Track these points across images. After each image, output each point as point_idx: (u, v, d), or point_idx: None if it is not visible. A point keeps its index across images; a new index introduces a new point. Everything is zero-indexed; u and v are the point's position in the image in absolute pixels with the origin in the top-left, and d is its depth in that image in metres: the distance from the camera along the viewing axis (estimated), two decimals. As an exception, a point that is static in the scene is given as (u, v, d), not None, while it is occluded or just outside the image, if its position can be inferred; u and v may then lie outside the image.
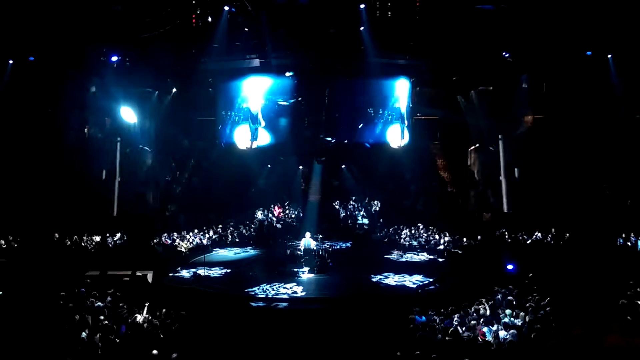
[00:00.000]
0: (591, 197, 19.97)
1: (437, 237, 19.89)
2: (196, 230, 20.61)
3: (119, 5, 15.85)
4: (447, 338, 10.21)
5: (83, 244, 18.61)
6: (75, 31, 15.95)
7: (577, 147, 19.97)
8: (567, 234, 18.65)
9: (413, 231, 20.63)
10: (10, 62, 17.54)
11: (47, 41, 16.06)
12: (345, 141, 21.64)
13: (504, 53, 17.08)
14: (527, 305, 11.54)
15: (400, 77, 21.16)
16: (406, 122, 21.72)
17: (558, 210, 20.24)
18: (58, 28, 15.69)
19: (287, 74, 20.07)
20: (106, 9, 15.95)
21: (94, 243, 18.74)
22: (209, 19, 16.61)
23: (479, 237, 19.11)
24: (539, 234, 18.87)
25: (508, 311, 11.13)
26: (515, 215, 20.16)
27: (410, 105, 21.80)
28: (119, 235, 19.22)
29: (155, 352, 9.36)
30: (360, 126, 21.56)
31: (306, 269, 16.47)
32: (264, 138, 21.45)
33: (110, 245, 18.74)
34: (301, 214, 22.55)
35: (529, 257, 17.15)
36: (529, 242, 18.68)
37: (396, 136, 21.71)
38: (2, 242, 17.79)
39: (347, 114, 21.46)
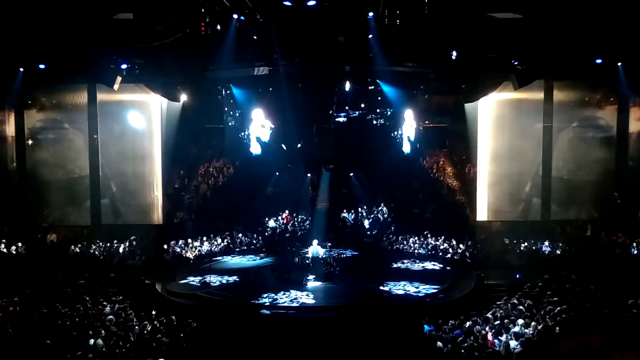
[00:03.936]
0: (601, 207, 19.82)
1: (445, 245, 19.77)
2: (204, 238, 20.61)
3: (129, 14, 15.95)
4: (456, 348, 10.12)
5: (91, 251, 18.71)
6: (86, 39, 16.07)
7: (586, 156, 19.85)
8: (578, 243, 18.53)
9: (421, 239, 20.52)
10: (21, 70, 17.71)
11: (57, 49, 16.17)
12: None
13: (513, 61, 16.98)
14: (538, 314, 11.43)
15: (408, 85, 21.11)
16: (414, 130, 21.66)
17: (569, 219, 20.16)
18: (68, 36, 15.81)
19: None
20: (117, 18, 16.08)
21: (102, 250, 18.84)
22: (218, 27, 16.67)
23: (487, 245, 19.06)
24: (548, 243, 18.74)
25: (520, 321, 11.02)
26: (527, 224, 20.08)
27: (419, 112, 21.75)
28: (127, 242, 19.28)
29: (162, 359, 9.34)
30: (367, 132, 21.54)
31: (313, 276, 16.42)
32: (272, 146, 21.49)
33: (120, 252, 18.80)
34: (309, 222, 22.49)
35: (539, 266, 17.09)
36: (539, 251, 18.58)
37: (405, 143, 21.63)
38: (13, 248, 17.93)
39: (355, 120, 21.42)
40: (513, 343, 10.08)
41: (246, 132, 21.35)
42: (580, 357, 8.13)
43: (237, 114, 21.56)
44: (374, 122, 21.48)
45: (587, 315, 11.27)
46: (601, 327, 10.16)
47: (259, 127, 21.25)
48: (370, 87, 20.76)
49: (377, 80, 20.23)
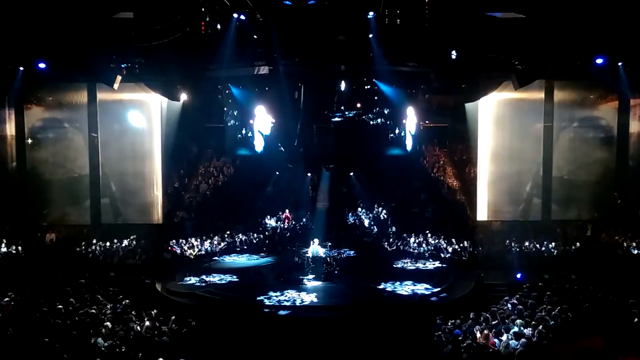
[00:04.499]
0: (602, 206, 19.79)
1: (445, 245, 19.78)
2: (204, 237, 20.61)
3: (130, 13, 15.96)
4: (456, 348, 10.11)
5: (91, 250, 18.69)
6: (86, 38, 16.07)
7: (586, 156, 19.85)
8: (578, 243, 18.52)
9: (421, 239, 20.52)
10: (21, 69, 17.72)
11: (57, 48, 16.17)
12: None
13: (514, 60, 16.97)
14: (538, 314, 11.41)
15: (408, 84, 21.07)
16: (414, 129, 21.64)
17: (570, 219, 20.14)
18: (68, 35, 15.81)
19: None
20: (117, 17, 16.08)
21: (102, 249, 18.82)
22: (218, 27, 16.69)
23: (487, 245, 19.05)
24: (549, 243, 18.73)
25: (519, 321, 11.01)
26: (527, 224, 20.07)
27: (419, 112, 21.73)
28: (126, 242, 19.26)
29: (161, 359, 9.34)
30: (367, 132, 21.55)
31: (313, 276, 16.42)
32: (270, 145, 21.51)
33: (120, 251, 18.79)
34: (310, 222, 22.50)
35: (539, 266, 17.09)
36: (539, 251, 18.57)
37: (405, 143, 21.62)
38: (13, 248, 17.92)
39: (355, 120, 21.42)
40: (513, 343, 10.07)
41: (247, 130, 21.41)
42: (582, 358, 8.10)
43: (237, 113, 21.61)
44: (373, 121, 21.47)
45: (587, 315, 11.26)
46: (603, 328, 10.16)
47: (262, 124, 21.28)
48: (369, 87, 20.73)
49: (377, 80, 20.20)
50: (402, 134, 21.50)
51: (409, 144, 21.62)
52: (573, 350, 9.09)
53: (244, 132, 21.60)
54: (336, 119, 21.00)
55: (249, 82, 20.66)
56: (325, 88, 20.55)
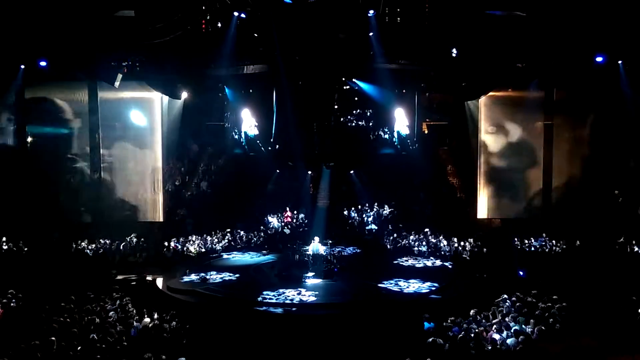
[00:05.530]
0: (603, 205, 19.81)
1: (445, 242, 19.82)
2: (205, 235, 20.66)
3: (131, 12, 16.02)
4: (455, 345, 10.16)
5: (94, 248, 18.75)
6: (87, 36, 16.13)
7: (586, 155, 19.90)
8: (578, 241, 18.56)
9: (421, 237, 20.56)
10: (22, 67, 17.76)
11: (59, 46, 16.22)
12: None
13: (514, 59, 16.99)
14: (537, 312, 11.47)
15: (408, 83, 21.03)
16: (414, 128, 21.61)
17: (569, 217, 20.18)
18: (70, 33, 15.87)
19: None
20: (118, 15, 16.14)
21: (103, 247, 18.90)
22: (219, 25, 16.74)
23: (487, 243, 19.10)
24: (550, 241, 18.78)
25: (521, 318, 11.07)
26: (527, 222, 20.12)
27: (419, 110, 21.74)
28: (127, 239, 19.31)
29: (163, 357, 9.40)
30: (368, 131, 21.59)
31: (313, 274, 16.47)
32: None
33: (121, 249, 18.86)
34: (310, 219, 22.54)
35: (539, 264, 17.14)
36: (539, 249, 18.61)
37: (404, 141, 21.62)
38: (11, 244, 17.99)
39: (354, 118, 21.46)
40: (512, 340, 10.13)
41: (237, 130, 21.49)
42: (571, 357, 8.15)
43: (229, 114, 21.69)
44: (373, 121, 21.49)
45: (585, 314, 11.31)
46: (595, 327, 10.23)
47: (248, 125, 21.35)
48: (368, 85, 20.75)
49: (375, 79, 20.18)
50: (401, 133, 21.48)
51: (409, 143, 21.61)
52: (561, 349, 9.14)
53: (235, 132, 21.72)
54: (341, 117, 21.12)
55: (251, 81, 20.67)
56: (328, 86, 20.58)
